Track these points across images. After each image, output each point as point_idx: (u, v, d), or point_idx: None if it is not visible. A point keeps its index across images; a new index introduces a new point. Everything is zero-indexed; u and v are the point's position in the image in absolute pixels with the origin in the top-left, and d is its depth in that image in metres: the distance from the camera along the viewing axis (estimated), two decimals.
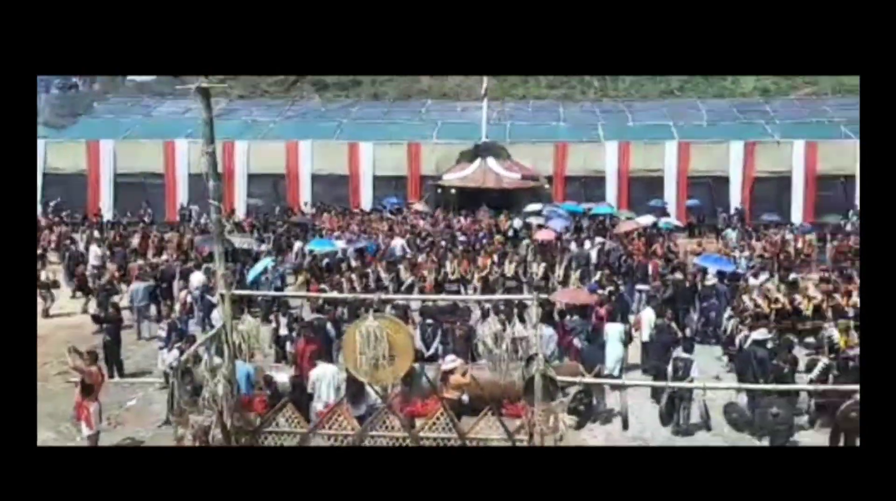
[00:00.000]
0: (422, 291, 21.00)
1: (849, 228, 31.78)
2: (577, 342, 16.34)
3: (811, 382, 13.79)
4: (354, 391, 12.12)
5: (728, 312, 18.78)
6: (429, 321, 17.14)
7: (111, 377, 16.15)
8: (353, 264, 23.07)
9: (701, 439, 14.04)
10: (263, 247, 27.10)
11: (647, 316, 17.69)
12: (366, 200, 37.94)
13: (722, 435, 13.95)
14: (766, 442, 13.42)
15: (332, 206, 36.01)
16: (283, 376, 13.87)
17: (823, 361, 14.24)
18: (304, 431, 11.04)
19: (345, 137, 39.49)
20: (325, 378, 13.11)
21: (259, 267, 21.80)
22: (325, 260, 24.15)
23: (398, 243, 26.97)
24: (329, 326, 16.52)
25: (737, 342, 16.71)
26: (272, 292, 19.78)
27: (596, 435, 14.21)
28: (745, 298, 19.19)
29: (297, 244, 27.17)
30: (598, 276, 21.72)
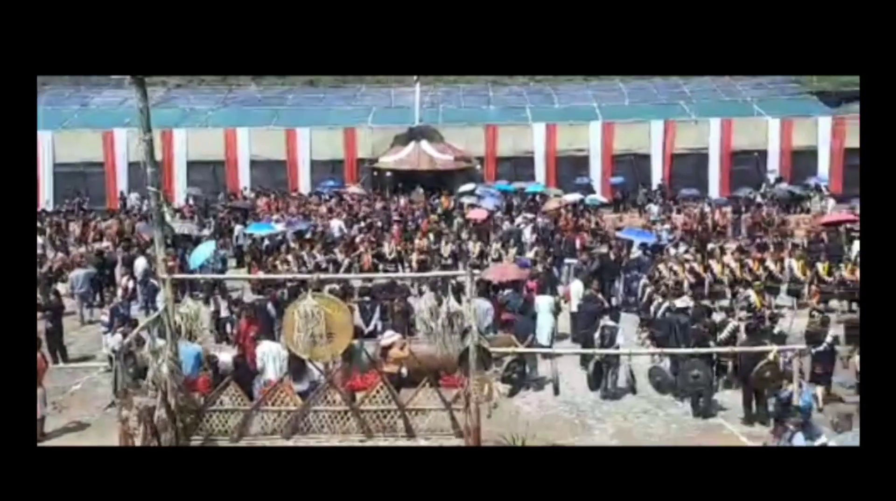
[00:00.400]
0: (361, 270, 20.94)
1: (759, 200, 32.57)
2: (510, 314, 16.47)
3: (721, 342, 14.05)
4: (297, 367, 12.06)
5: (644, 280, 19.08)
6: (367, 298, 17.12)
7: (55, 362, 15.81)
8: (293, 245, 22.86)
9: (628, 402, 14.30)
10: (205, 232, 26.68)
11: (576, 288, 17.93)
12: (304, 183, 37.58)
13: (647, 398, 14.23)
14: (688, 403, 13.73)
15: (271, 190, 35.59)
16: (226, 356, 13.72)
17: (732, 323, 14.58)
18: (247, 408, 10.99)
19: (282, 123, 39.01)
20: (270, 354, 13.08)
21: (206, 252, 21.37)
22: (266, 243, 23.91)
23: (336, 225, 26.86)
24: (270, 306, 16.37)
25: (651, 309, 17.05)
26: (212, 275, 19.50)
27: (529, 402, 14.36)
28: (662, 267, 19.55)
29: (238, 228, 26.83)
30: (533, 252, 21.87)
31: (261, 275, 18.55)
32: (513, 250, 22.18)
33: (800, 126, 37.20)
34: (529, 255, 21.68)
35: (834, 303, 19.07)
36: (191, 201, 34.79)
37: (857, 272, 18.48)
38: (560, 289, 19.63)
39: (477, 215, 27.56)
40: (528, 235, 25.12)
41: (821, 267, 19.47)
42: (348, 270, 20.59)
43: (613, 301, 18.84)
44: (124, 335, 13.41)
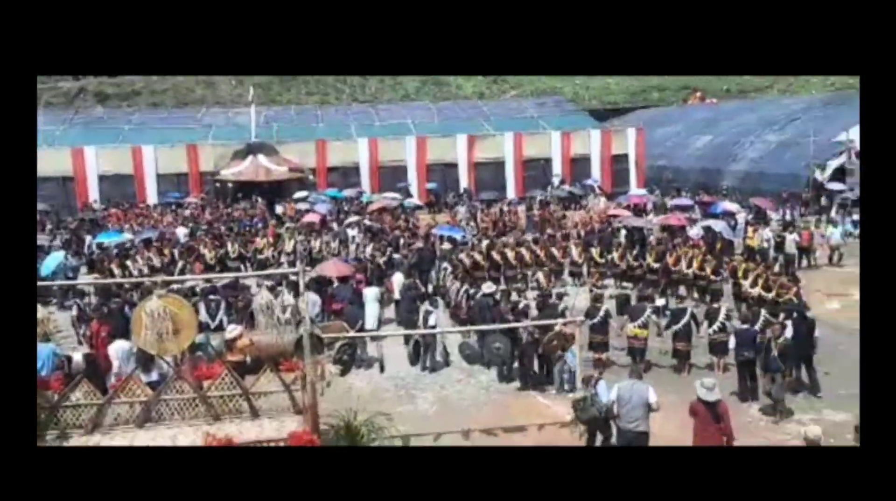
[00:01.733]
0: (207, 270, 20.21)
1: (541, 198, 34.05)
2: (340, 303, 16.36)
3: (516, 318, 14.51)
4: (145, 361, 11.48)
5: (447, 268, 19.46)
6: (213, 296, 16.53)
7: None
8: (140, 252, 21.70)
9: (444, 373, 14.56)
10: (56, 242, 24.85)
11: (397, 279, 18.05)
12: (151, 195, 35.89)
13: (460, 368, 14.53)
14: (494, 371, 14.12)
15: (120, 202, 33.72)
16: (77, 355, 12.87)
17: (524, 301, 15.16)
18: (100, 402, 10.35)
19: (128, 141, 37.15)
20: (122, 351, 12.44)
21: (58, 259, 19.95)
22: (115, 250, 22.55)
23: (181, 232, 25.81)
24: (127, 309, 15.46)
25: (451, 292, 17.46)
26: (60, 282, 18.23)
27: (360, 379, 14.33)
28: (463, 256, 20.05)
29: (88, 238, 25.16)
30: (370, 247, 21.77)
31: (106, 280, 17.48)
32: (352, 247, 22.15)
33: (576, 137, 39.40)
34: (369, 251, 21.57)
35: (607, 282, 20.21)
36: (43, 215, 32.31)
37: (628, 256, 19.75)
38: (385, 281, 19.71)
39: (311, 218, 27.26)
40: (356, 235, 25.02)
41: (594, 252, 20.59)
42: (182, 271, 19.77)
43: (430, 288, 19.13)
44: None
